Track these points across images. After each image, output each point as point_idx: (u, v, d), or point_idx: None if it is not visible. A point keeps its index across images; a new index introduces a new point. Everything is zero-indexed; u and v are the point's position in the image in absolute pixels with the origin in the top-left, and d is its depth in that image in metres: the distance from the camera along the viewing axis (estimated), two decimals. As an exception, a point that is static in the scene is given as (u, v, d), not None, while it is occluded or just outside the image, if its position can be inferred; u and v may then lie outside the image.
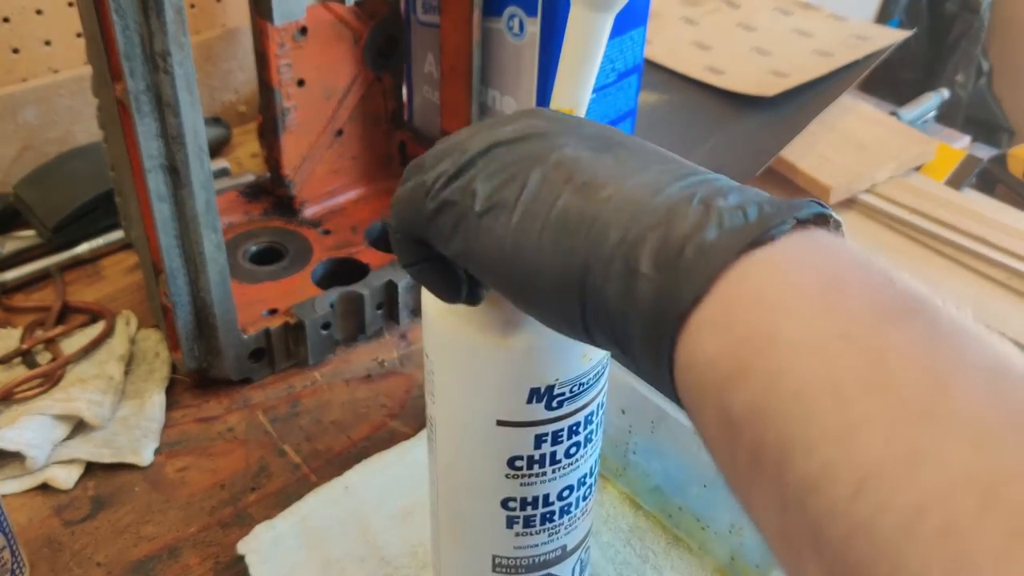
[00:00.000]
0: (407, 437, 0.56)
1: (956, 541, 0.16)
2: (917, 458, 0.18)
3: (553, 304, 0.27)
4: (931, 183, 0.78)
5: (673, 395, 0.24)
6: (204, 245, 0.52)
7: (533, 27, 0.60)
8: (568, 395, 0.34)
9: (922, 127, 0.92)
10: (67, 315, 0.65)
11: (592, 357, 0.34)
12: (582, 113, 0.40)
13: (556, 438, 0.35)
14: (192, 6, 0.82)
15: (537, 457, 0.35)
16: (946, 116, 1.01)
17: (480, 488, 0.37)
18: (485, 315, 0.33)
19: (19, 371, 0.59)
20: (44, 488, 0.52)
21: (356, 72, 0.68)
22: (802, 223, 0.24)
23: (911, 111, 0.92)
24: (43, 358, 0.60)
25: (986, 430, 0.18)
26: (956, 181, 0.81)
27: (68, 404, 0.54)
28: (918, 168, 0.80)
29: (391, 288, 0.62)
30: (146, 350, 0.61)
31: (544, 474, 0.36)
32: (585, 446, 0.36)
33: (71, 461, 0.53)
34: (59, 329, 0.61)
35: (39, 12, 0.74)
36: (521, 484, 0.36)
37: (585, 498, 0.38)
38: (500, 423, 0.34)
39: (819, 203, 0.25)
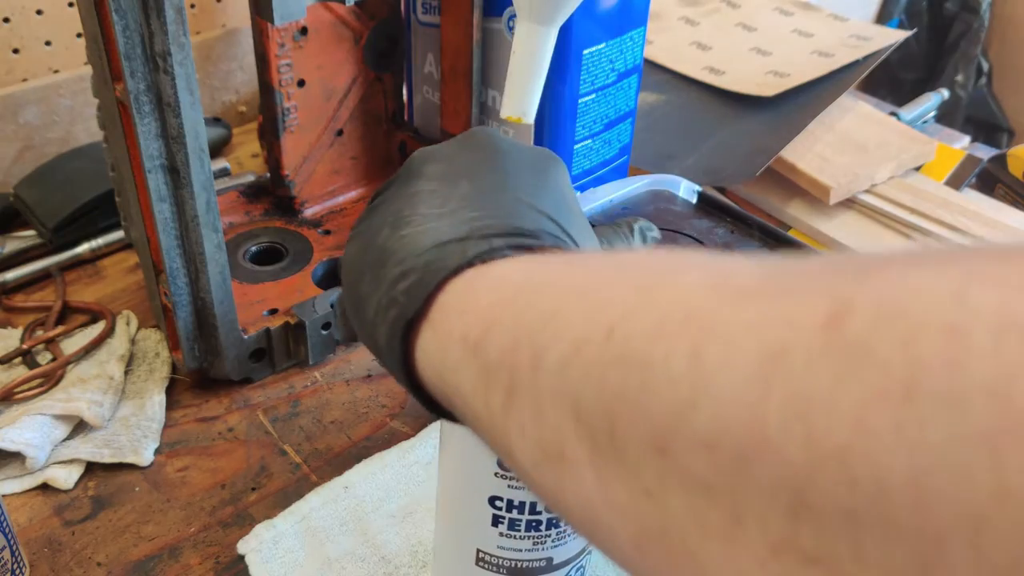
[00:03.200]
0: (407, 437, 0.56)
1: (688, 317, 0.19)
2: (651, 292, 0.20)
3: (352, 321, 0.32)
4: (931, 183, 0.78)
5: (419, 392, 0.28)
6: (204, 245, 0.52)
7: (533, 27, 0.60)
8: None
9: (922, 127, 0.92)
10: (67, 315, 0.65)
11: None
12: (530, 120, 0.40)
13: None
14: (192, 6, 0.82)
15: None
16: (946, 116, 1.01)
17: (471, 481, 0.38)
18: None
19: (19, 371, 0.59)
20: (44, 488, 0.52)
21: (356, 72, 0.68)
22: (537, 248, 0.28)
23: (911, 111, 0.92)
24: (43, 358, 0.60)
25: (706, 268, 0.21)
26: (956, 181, 0.81)
27: (68, 404, 0.54)
28: (918, 168, 0.80)
29: (391, 288, 0.62)
30: (146, 350, 0.61)
31: None
32: None
33: (71, 461, 0.53)
34: (59, 329, 0.62)
35: (39, 12, 0.74)
36: (509, 485, 0.36)
37: None
38: None
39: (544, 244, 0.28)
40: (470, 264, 0.27)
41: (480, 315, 0.25)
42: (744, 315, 0.17)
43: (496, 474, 0.36)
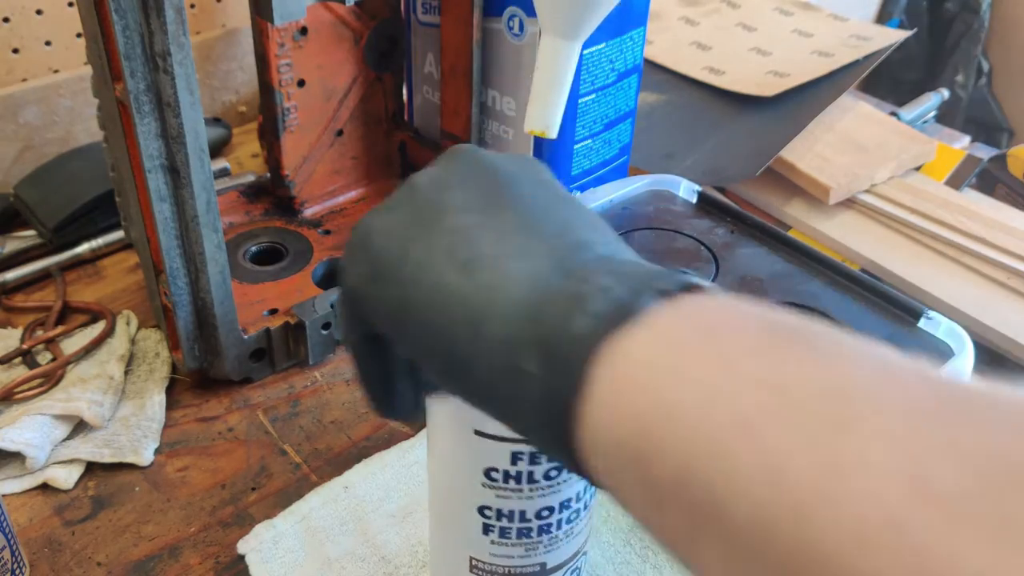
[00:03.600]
0: (407, 437, 0.56)
1: (900, 534, 0.17)
2: (840, 469, 0.18)
3: (442, 381, 0.28)
4: (931, 183, 0.78)
5: (586, 477, 0.25)
6: (205, 245, 0.52)
7: (533, 27, 0.60)
8: None
9: (922, 127, 0.92)
10: (67, 315, 0.65)
11: None
12: (554, 134, 0.40)
13: (534, 459, 0.35)
14: (192, 6, 0.82)
15: (513, 473, 0.35)
16: (946, 116, 1.01)
17: (459, 492, 0.37)
18: None
19: (19, 371, 0.59)
20: (44, 488, 0.52)
21: (356, 72, 0.68)
22: (669, 293, 0.24)
23: (911, 111, 0.92)
24: (43, 358, 0.60)
25: (891, 423, 0.18)
26: (956, 181, 0.81)
27: (68, 404, 0.54)
28: (918, 168, 0.80)
29: (391, 288, 0.62)
30: (146, 350, 0.61)
31: (520, 491, 0.36)
32: (567, 472, 0.36)
33: (71, 461, 0.53)
34: (59, 329, 0.62)
35: (39, 12, 0.74)
36: (497, 495, 0.36)
37: (569, 521, 0.38)
38: (478, 432, 0.35)
39: (685, 272, 0.25)
40: (609, 325, 0.23)
41: (632, 418, 0.22)
42: (968, 567, 0.16)
43: (483, 484, 0.36)
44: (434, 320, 0.27)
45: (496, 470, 0.36)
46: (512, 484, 0.36)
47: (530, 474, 0.36)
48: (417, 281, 0.27)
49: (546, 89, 0.39)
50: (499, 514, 0.37)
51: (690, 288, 0.24)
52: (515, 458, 0.35)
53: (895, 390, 0.19)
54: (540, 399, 0.24)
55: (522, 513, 0.37)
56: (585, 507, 0.39)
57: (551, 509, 0.37)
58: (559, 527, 0.38)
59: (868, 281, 0.54)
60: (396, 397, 0.33)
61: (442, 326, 0.26)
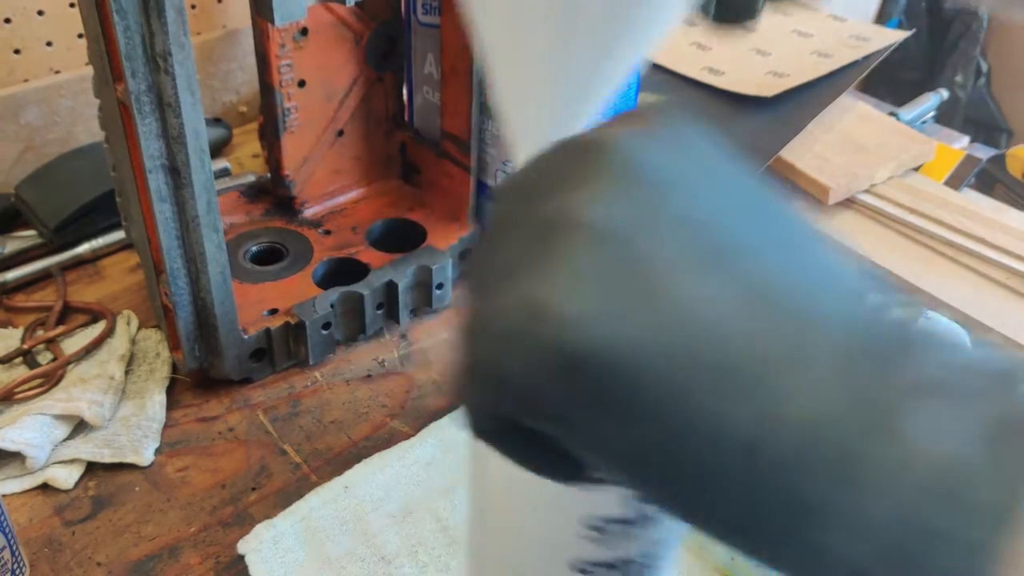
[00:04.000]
0: (407, 437, 0.56)
1: None
2: None
3: (695, 527, 0.21)
4: (930, 183, 0.78)
5: None
6: (205, 245, 0.52)
7: (533, 28, 0.60)
8: None
9: (921, 127, 0.92)
10: (68, 315, 0.65)
11: None
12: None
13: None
14: (193, 7, 0.83)
15: (620, 518, 0.30)
16: (945, 116, 1.01)
17: (544, 546, 0.31)
18: None
19: (20, 371, 0.59)
20: (45, 488, 0.52)
21: (357, 73, 0.68)
22: None
23: (910, 111, 0.92)
24: (44, 358, 0.60)
25: None
26: (955, 181, 0.81)
27: (69, 404, 0.54)
28: (917, 168, 0.80)
29: (391, 288, 0.62)
30: (147, 350, 0.61)
31: (629, 535, 0.30)
32: None
33: (71, 461, 0.53)
34: (60, 329, 0.62)
35: (41, 13, 0.74)
36: (600, 544, 0.30)
37: (671, 547, 0.32)
38: None
39: None
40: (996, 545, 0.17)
41: None
42: None
43: (582, 536, 0.30)
44: (688, 457, 0.19)
45: (606, 518, 0.29)
46: (619, 528, 0.30)
47: (641, 515, 0.29)
48: (657, 403, 0.19)
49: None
50: (601, 564, 0.30)
51: None
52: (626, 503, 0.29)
53: None
54: None
55: (626, 561, 0.31)
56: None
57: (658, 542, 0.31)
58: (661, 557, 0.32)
59: (867, 281, 0.54)
60: (580, 463, 0.24)
61: (703, 463, 0.19)
